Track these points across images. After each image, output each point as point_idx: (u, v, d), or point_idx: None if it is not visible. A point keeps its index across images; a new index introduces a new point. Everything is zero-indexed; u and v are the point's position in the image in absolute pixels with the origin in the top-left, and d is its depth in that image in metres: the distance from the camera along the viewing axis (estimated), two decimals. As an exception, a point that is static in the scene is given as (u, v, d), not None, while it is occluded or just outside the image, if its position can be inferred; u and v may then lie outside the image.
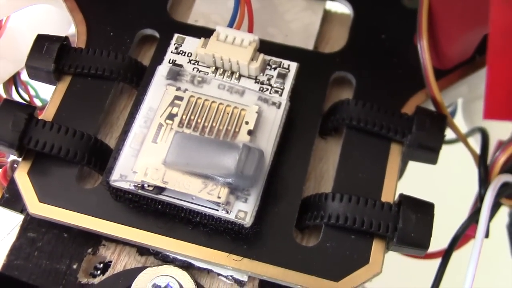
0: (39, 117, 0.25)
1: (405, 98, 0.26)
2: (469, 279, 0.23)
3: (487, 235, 0.27)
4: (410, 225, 0.22)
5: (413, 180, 0.33)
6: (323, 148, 0.26)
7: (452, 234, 0.26)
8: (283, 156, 0.24)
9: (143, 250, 0.24)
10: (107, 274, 0.24)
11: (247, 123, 0.23)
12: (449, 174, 0.44)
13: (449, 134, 0.30)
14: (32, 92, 0.34)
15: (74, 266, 0.24)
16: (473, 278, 0.23)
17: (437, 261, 0.27)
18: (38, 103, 0.35)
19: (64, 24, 0.33)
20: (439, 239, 0.27)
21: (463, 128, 0.32)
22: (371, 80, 0.26)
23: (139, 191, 0.22)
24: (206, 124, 0.23)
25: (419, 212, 0.23)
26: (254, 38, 0.24)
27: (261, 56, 0.24)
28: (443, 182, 0.45)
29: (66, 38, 0.27)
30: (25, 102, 0.33)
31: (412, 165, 0.35)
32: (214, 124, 0.23)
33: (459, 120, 0.33)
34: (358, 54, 0.27)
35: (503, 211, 0.30)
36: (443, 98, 0.28)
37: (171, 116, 0.23)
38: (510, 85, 0.14)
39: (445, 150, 0.36)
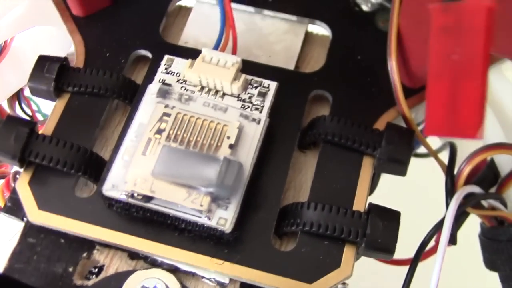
0: (40, 132, 0.27)
1: (377, 115, 0.28)
2: (434, 283, 0.25)
3: (455, 243, 0.29)
4: (377, 231, 0.24)
5: (388, 192, 0.34)
6: (302, 161, 0.28)
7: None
8: (263, 168, 0.26)
9: (133, 255, 0.26)
10: (100, 276, 0.26)
11: (228, 137, 0.25)
12: (423, 186, 0.46)
13: (423, 148, 0.32)
14: (35, 107, 0.36)
15: (70, 269, 0.26)
16: (437, 283, 0.25)
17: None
18: (40, 117, 0.37)
19: (65, 44, 0.35)
20: (414, 247, 0.29)
21: (437, 143, 0.34)
22: (346, 97, 0.29)
23: (129, 199, 0.24)
24: (191, 138, 0.25)
25: (386, 220, 0.25)
26: (237, 59, 0.26)
27: (243, 76, 0.26)
28: (417, 194, 0.47)
29: (66, 58, 0.29)
30: (27, 118, 0.35)
31: (388, 178, 0.37)
32: (198, 139, 0.25)
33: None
34: (335, 73, 0.29)
35: (477, 221, 0.32)
36: (417, 114, 0.30)
37: (159, 131, 0.25)
38: (445, 106, 0.16)
39: (418, 163, 0.38)
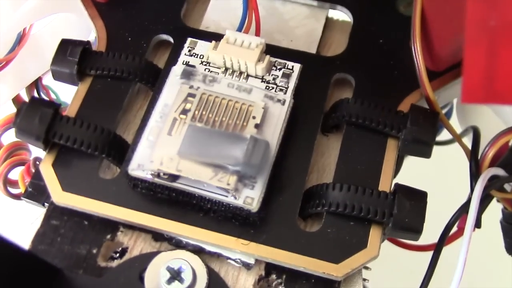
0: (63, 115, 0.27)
1: (401, 97, 0.28)
2: (460, 265, 0.25)
3: (479, 226, 0.29)
4: (404, 211, 0.24)
5: (412, 177, 0.34)
6: (325, 144, 0.28)
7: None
8: (287, 149, 0.26)
9: (157, 236, 0.26)
10: (125, 258, 0.26)
11: (254, 117, 0.25)
12: (447, 172, 0.46)
13: (447, 135, 0.32)
14: (53, 96, 0.37)
15: (94, 251, 0.26)
16: (464, 264, 0.25)
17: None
18: (58, 106, 0.37)
19: (84, 32, 0.35)
20: (437, 234, 0.29)
21: (458, 128, 0.34)
22: (369, 81, 0.28)
23: (155, 179, 0.24)
24: (216, 118, 0.25)
25: (412, 200, 0.25)
26: (261, 41, 0.26)
27: (267, 57, 0.26)
28: (441, 179, 0.47)
29: (88, 42, 0.29)
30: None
31: (412, 164, 0.37)
32: (224, 119, 0.25)
33: (455, 120, 0.35)
34: (357, 57, 0.29)
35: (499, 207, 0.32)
36: (439, 98, 0.30)
37: (184, 111, 0.25)
38: (483, 73, 0.16)
39: (443, 149, 0.38)
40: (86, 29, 0.34)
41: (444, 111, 0.35)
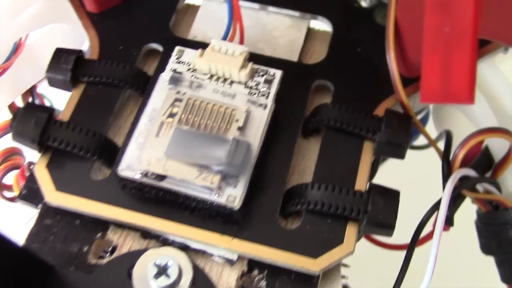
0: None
1: (377, 102, 0.29)
2: (431, 263, 0.26)
3: (451, 224, 0.30)
4: (378, 208, 0.26)
5: (391, 180, 0.36)
6: (306, 147, 0.30)
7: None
8: (269, 151, 0.28)
9: (146, 234, 0.27)
10: (114, 255, 0.27)
11: (237, 120, 0.27)
12: (424, 175, 0.47)
13: (425, 140, 0.33)
14: (48, 103, 0.38)
15: (85, 249, 0.27)
16: (435, 262, 0.26)
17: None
18: (53, 113, 0.38)
19: (77, 41, 0.37)
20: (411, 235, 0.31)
21: (434, 133, 0.36)
22: (347, 86, 0.30)
23: (143, 179, 0.26)
24: (202, 121, 0.27)
25: (386, 198, 0.26)
26: (244, 49, 0.28)
27: (250, 64, 0.28)
28: (420, 182, 0.49)
29: (81, 51, 0.30)
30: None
31: (392, 167, 0.38)
32: (208, 122, 0.27)
33: (431, 125, 0.36)
34: (336, 64, 0.31)
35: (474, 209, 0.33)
36: (413, 103, 0.31)
37: (171, 115, 0.27)
38: (440, 75, 0.18)
39: (420, 153, 0.39)
40: (80, 38, 0.36)
41: (420, 116, 0.37)
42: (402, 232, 0.31)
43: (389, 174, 0.37)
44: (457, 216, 0.33)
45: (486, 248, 0.33)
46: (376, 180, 0.35)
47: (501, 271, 0.32)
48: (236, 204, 0.25)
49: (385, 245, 0.34)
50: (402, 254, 0.32)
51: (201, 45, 0.30)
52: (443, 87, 0.18)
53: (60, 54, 0.30)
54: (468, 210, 0.33)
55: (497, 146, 0.31)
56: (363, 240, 0.34)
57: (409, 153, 0.38)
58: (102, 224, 0.27)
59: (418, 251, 0.31)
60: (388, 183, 0.37)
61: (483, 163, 0.31)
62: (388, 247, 0.33)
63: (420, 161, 0.38)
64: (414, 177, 0.47)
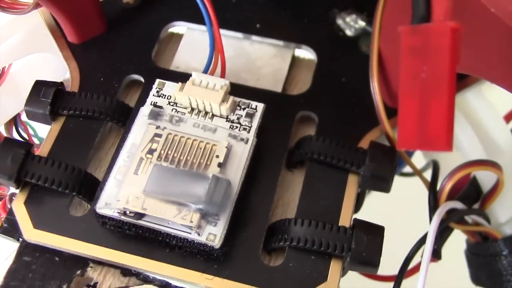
0: (36, 154, 0.28)
1: (362, 134, 0.29)
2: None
3: (439, 257, 0.30)
4: (362, 245, 0.25)
5: (376, 211, 0.35)
6: (290, 179, 0.29)
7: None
8: (251, 186, 0.27)
9: (126, 272, 0.27)
10: (94, 293, 0.27)
11: (217, 156, 0.26)
12: (411, 205, 0.47)
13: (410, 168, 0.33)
14: (31, 132, 0.37)
15: (64, 287, 0.26)
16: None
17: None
18: (36, 141, 0.38)
19: (61, 71, 0.36)
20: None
21: (421, 162, 0.35)
22: (331, 118, 0.30)
23: (122, 217, 0.25)
24: (181, 157, 0.26)
25: (370, 234, 0.25)
26: (225, 82, 0.28)
27: (231, 98, 0.27)
28: (405, 213, 0.48)
29: (61, 83, 0.30)
30: (23, 140, 0.36)
31: (376, 197, 0.38)
32: (188, 158, 0.26)
33: (419, 154, 0.36)
34: (321, 95, 0.30)
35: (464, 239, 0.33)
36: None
37: (151, 151, 0.26)
38: (416, 121, 0.17)
39: (409, 182, 0.39)
40: (62, 68, 0.35)
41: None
42: (393, 262, 0.30)
43: (378, 201, 0.37)
44: (448, 245, 0.33)
45: (476, 278, 0.32)
46: (363, 207, 0.35)
47: (492, 302, 0.31)
48: (217, 242, 0.25)
49: (372, 276, 0.33)
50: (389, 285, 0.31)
51: (184, 76, 0.29)
52: (420, 134, 0.17)
53: (39, 87, 0.29)
54: (459, 240, 0.33)
55: (485, 177, 0.30)
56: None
57: (399, 180, 0.38)
58: (82, 261, 0.27)
59: (410, 281, 0.30)
60: (377, 210, 0.36)
61: (471, 194, 0.31)
62: (376, 278, 0.33)
63: (411, 187, 0.37)
64: (404, 204, 0.46)
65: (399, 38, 0.18)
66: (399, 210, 0.43)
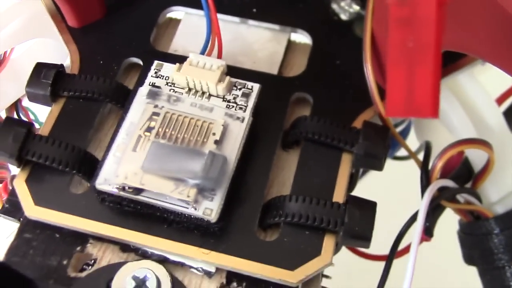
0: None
1: (355, 114, 0.30)
2: (409, 273, 0.26)
3: (431, 234, 0.30)
4: (354, 220, 0.26)
5: (373, 191, 0.36)
6: (286, 159, 0.30)
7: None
8: (247, 164, 0.28)
9: (125, 247, 0.27)
10: (93, 268, 0.27)
11: (214, 134, 0.27)
12: (406, 188, 0.47)
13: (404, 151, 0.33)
14: (32, 117, 0.38)
15: (65, 262, 0.27)
16: (413, 272, 0.26)
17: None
18: (37, 126, 0.38)
19: (62, 56, 0.37)
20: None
21: (415, 145, 0.36)
22: (326, 99, 0.30)
23: (121, 192, 0.26)
24: (179, 135, 0.27)
25: (362, 209, 0.26)
26: (221, 63, 0.28)
27: (227, 78, 0.28)
28: (400, 195, 0.49)
29: (61, 65, 0.30)
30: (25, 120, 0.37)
31: (372, 179, 0.39)
32: (185, 135, 0.27)
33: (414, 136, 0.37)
34: (316, 77, 0.31)
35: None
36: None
37: (149, 129, 0.27)
38: (403, 89, 0.18)
39: (404, 164, 0.39)
40: (63, 54, 0.36)
41: (402, 127, 0.37)
42: (387, 242, 0.31)
43: (373, 184, 0.37)
44: (442, 227, 0.33)
45: (469, 258, 0.33)
46: (360, 190, 0.35)
47: (484, 281, 0.32)
48: (213, 217, 0.25)
49: (365, 255, 0.34)
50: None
51: (181, 59, 0.30)
52: (407, 102, 0.18)
53: (40, 69, 0.30)
54: (452, 222, 0.33)
55: (477, 157, 0.31)
56: (345, 251, 0.34)
57: (393, 163, 0.39)
58: (82, 238, 0.28)
59: (403, 261, 0.31)
60: (372, 193, 0.37)
61: (463, 174, 0.31)
62: (369, 258, 0.33)
63: (405, 171, 0.38)
64: (398, 188, 0.47)
65: (387, 10, 0.18)
66: (394, 193, 0.44)
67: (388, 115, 0.18)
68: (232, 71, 0.30)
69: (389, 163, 0.40)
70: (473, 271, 0.32)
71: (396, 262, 0.30)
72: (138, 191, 0.26)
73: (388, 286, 0.30)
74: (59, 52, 0.36)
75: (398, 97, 0.18)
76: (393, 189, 0.44)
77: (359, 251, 0.34)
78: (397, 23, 0.18)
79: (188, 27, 0.34)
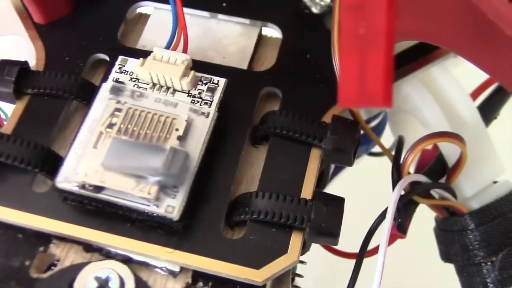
0: (-1, 131, 0.28)
1: (325, 109, 0.29)
2: (379, 269, 0.25)
3: (403, 231, 0.30)
4: (321, 216, 0.25)
5: (348, 188, 0.35)
6: (255, 156, 0.29)
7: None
8: (214, 160, 0.27)
9: (88, 248, 0.27)
10: (56, 269, 0.27)
11: (177, 130, 0.26)
12: (380, 185, 0.47)
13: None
14: (3, 116, 0.37)
15: (27, 263, 0.26)
16: (382, 268, 0.26)
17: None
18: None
19: (32, 54, 0.36)
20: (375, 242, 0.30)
21: (390, 141, 0.35)
22: (295, 93, 0.30)
23: (81, 191, 0.25)
24: (141, 131, 0.26)
25: (329, 205, 0.25)
26: (186, 57, 0.28)
27: (192, 72, 0.27)
28: (375, 192, 0.48)
29: (26, 62, 0.30)
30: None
31: (350, 176, 0.38)
32: (148, 131, 0.26)
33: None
34: (285, 71, 0.30)
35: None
36: (367, 109, 0.31)
37: (110, 125, 0.26)
38: (355, 79, 0.17)
39: (379, 160, 0.39)
40: (33, 51, 0.36)
41: (377, 122, 0.37)
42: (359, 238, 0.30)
43: (349, 182, 0.37)
44: (417, 223, 0.33)
45: (445, 255, 0.32)
46: (334, 188, 0.35)
47: (461, 278, 0.31)
48: (175, 214, 0.25)
49: (338, 253, 0.33)
50: (369, 262, 0.31)
51: (148, 54, 0.29)
52: (360, 91, 0.17)
53: (3, 66, 0.29)
54: (428, 220, 0.33)
55: (451, 152, 0.30)
56: (319, 248, 0.33)
57: (369, 159, 0.38)
58: (45, 238, 0.27)
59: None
60: (349, 191, 0.36)
61: (437, 169, 0.31)
62: (342, 255, 0.33)
63: (381, 167, 0.38)
64: (378, 184, 0.46)
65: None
66: (373, 190, 0.43)
67: (341, 105, 0.18)
68: (201, 66, 0.29)
69: (365, 159, 0.40)
70: (450, 268, 0.32)
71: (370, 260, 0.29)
72: (99, 189, 0.25)
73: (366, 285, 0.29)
74: (30, 49, 0.36)
75: (351, 86, 0.17)
76: (372, 186, 0.43)
77: (332, 248, 0.34)
78: (348, 9, 0.17)
79: (157, 22, 0.33)
